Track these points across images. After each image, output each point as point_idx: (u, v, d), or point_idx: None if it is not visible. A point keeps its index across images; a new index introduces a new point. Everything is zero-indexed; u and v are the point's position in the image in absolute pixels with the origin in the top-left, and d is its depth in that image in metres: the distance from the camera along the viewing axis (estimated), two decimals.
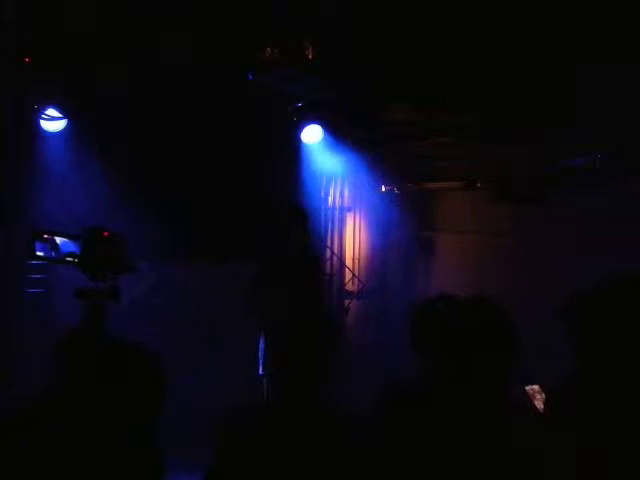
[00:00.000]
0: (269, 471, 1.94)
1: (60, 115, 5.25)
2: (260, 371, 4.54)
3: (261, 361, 4.55)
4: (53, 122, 5.27)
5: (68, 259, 2.20)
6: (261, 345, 4.57)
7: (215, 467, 2.02)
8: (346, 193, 7.18)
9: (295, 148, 6.07)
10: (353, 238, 7.19)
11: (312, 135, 5.94)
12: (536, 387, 3.15)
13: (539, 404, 3.04)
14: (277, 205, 5.30)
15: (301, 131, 5.91)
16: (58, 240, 2.18)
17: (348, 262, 7.12)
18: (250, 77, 4.95)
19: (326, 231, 6.93)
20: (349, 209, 7.19)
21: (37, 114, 5.21)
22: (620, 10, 3.65)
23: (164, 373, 1.73)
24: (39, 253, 2.20)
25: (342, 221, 7.18)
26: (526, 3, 3.93)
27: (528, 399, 3.11)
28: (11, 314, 5.20)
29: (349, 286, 7.05)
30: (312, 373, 2.05)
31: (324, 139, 5.99)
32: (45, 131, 5.30)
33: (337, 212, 7.13)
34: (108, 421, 1.64)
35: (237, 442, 2.01)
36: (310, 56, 4.74)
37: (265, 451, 1.96)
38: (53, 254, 2.19)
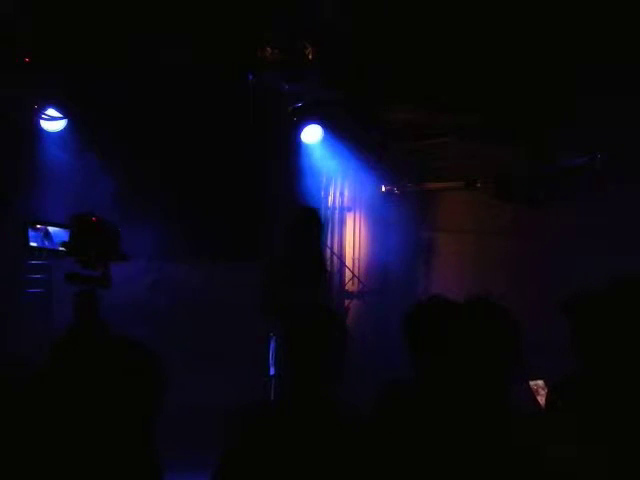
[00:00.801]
0: (277, 468, 1.95)
1: (60, 115, 5.25)
2: (271, 371, 4.51)
3: (272, 362, 4.52)
4: (53, 122, 5.27)
5: (61, 249, 2.19)
6: (272, 345, 4.55)
7: (224, 463, 2.02)
8: (346, 193, 7.18)
9: (295, 148, 6.07)
10: (353, 238, 7.19)
11: (312, 135, 5.94)
12: (540, 382, 3.15)
13: (542, 400, 3.04)
14: (290, 206, 5.33)
15: (301, 131, 5.91)
16: (50, 230, 2.18)
17: (348, 262, 7.12)
18: (250, 77, 4.94)
19: (326, 231, 6.92)
20: (349, 209, 7.19)
21: (37, 114, 5.21)
22: (620, 10, 3.65)
23: (164, 372, 1.73)
24: (32, 244, 2.20)
25: (342, 221, 7.18)
26: (526, 3, 3.93)
27: (531, 394, 3.11)
28: (11, 314, 5.20)
29: (349, 286, 7.05)
30: (320, 372, 2.05)
31: (324, 139, 5.99)
32: (45, 131, 5.30)
33: (337, 212, 7.13)
34: (106, 419, 1.63)
35: (246, 439, 2.01)
36: (310, 56, 4.74)
37: (273, 449, 1.96)
38: (46, 244, 2.19)
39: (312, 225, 4.63)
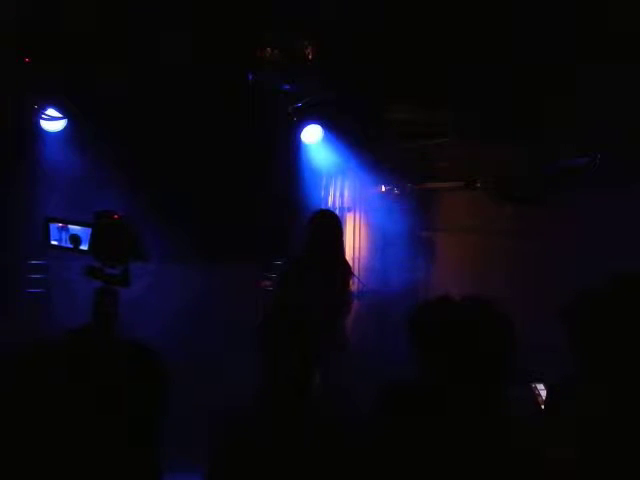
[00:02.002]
0: (269, 471, 1.94)
1: (60, 115, 5.25)
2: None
3: None
4: (53, 122, 5.27)
5: (82, 247, 2.18)
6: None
7: (216, 467, 2.02)
8: (346, 193, 7.17)
9: (295, 148, 6.07)
10: (353, 238, 7.19)
11: (312, 135, 5.94)
12: (541, 385, 3.16)
13: (543, 402, 3.05)
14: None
15: (301, 131, 5.90)
16: (71, 228, 2.17)
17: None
18: (250, 77, 4.94)
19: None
20: (349, 209, 7.19)
21: (37, 114, 5.21)
22: (620, 10, 3.65)
23: (167, 373, 1.73)
24: (53, 242, 2.19)
25: (342, 221, 7.17)
26: (526, 3, 3.93)
27: (532, 396, 3.12)
28: (11, 314, 5.20)
29: None
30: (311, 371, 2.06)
31: (324, 139, 5.99)
32: (45, 131, 5.30)
33: (337, 212, 7.12)
34: (106, 419, 1.63)
35: (238, 442, 2.01)
36: (310, 56, 4.74)
37: (265, 452, 1.96)
38: (66, 243, 2.17)
39: (335, 228, 4.72)
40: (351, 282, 5.03)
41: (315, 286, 4.51)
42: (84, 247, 2.16)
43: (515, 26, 4.00)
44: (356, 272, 7.09)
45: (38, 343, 1.65)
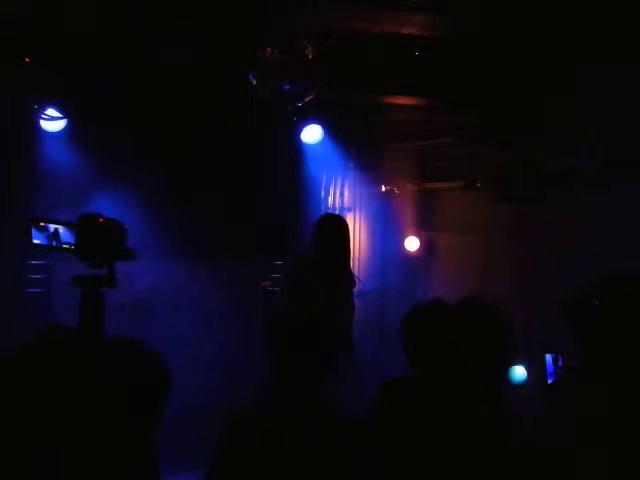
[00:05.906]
0: (269, 472, 1.94)
1: (60, 115, 5.25)
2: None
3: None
4: (53, 122, 5.27)
5: (65, 246, 2.18)
6: None
7: (216, 467, 2.02)
8: (346, 193, 7.17)
9: (295, 148, 6.07)
10: (353, 238, 7.18)
11: (312, 135, 5.94)
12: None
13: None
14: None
15: (301, 131, 5.91)
16: (55, 228, 2.17)
17: None
18: (250, 77, 4.94)
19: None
20: (349, 209, 7.19)
21: (37, 114, 5.21)
22: (620, 10, 3.65)
23: (166, 373, 1.73)
24: (36, 241, 2.19)
25: None
26: (526, 3, 3.93)
27: (542, 368, 3.13)
28: (11, 314, 5.20)
29: None
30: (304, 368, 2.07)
31: (324, 139, 5.99)
32: (45, 131, 5.30)
33: (337, 212, 7.12)
34: (106, 420, 1.63)
35: (238, 442, 2.01)
36: (310, 56, 4.73)
37: (266, 452, 1.96)
38: (50, 242, 2.18)
39: (342, 232, 4.75)
40: (354, 286, 5.03)
41: (319, 289, 4.51)
42: (67, 246, 2.16)
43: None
44: (356, 272, 7.09)
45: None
